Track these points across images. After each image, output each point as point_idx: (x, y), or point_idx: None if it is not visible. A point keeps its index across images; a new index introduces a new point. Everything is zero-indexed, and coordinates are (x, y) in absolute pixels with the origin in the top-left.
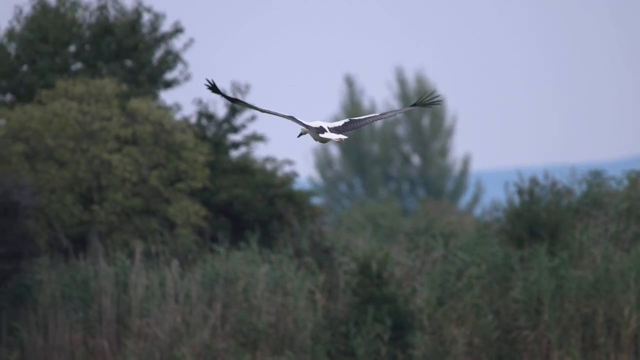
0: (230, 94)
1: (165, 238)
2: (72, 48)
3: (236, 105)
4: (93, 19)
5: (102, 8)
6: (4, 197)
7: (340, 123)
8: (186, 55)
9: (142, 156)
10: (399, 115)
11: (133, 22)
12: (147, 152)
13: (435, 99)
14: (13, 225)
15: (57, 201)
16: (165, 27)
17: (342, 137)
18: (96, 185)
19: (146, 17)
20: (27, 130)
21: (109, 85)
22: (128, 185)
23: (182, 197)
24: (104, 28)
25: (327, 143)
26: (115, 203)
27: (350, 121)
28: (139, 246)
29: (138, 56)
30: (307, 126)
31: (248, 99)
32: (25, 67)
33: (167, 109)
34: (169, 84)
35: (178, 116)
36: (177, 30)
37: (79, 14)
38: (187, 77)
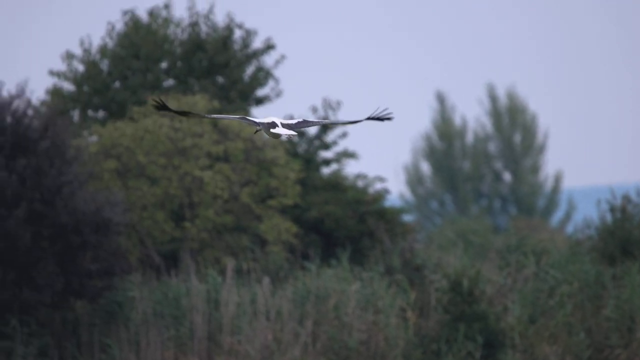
0: (321, 111)
1: (257, 255)
2: (164, 64)
3: (191, 117)
4: (185, 36)
5: (194, 24)
6: (96, 214)
7: (294, 121)
8: (277, 72)
9: (234, 173)
10: (490, 132)
11: (225, 39)
12: (239, 168)
13: (387, 115)
14: (105, 242)
15: (149, 218)
16: (257, 43)
17: (292, 133)
18: (188, 202)
19: (238, 34)
20: (119, 147)
21: (200, 101)
22: (219, 202)
23: (273, 214)
24: (195, 44)
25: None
26: (207, 220)
27: (304, 121)
28: (230, 263)
29: (229, 73)
30: (258, 123)
31: (339, 115)
32: (117, 84)
33: None
34: (260, 101)
35: None
36: (269, 47)
37: (171, 30)
38: (279, 94)
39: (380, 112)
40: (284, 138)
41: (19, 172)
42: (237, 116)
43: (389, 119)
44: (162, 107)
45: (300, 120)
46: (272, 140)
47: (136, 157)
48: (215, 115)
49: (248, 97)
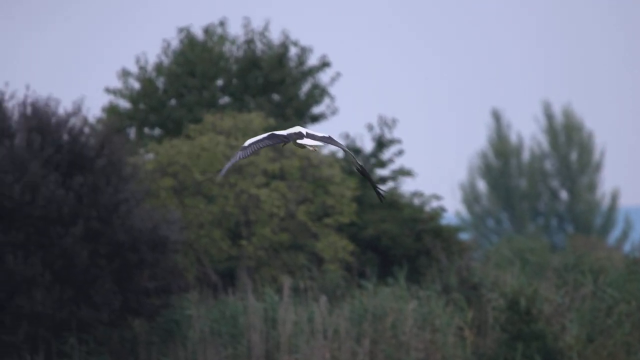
0: (377, 128)
1: (313, 273)
2: (220, 82)
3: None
4: (240, 53)
5: (250, 42)
6: (153, 231)
7: (320, 134)
8: (333, 89)
9: (290, 191)
10: (546, 149)
11: (280, 56)
12: (295, 186)
13: (381, 194)
14: (162, 260)
15: (206, 236)
16: (312, 60)
17: (317, 144)
18: (244, 220)
19: (293, 51)
20: (176, 164)
21: (256, 119)
22: (276, 220)
23: (329, 232)
24: (251, 62)
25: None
26: (264, 238)
27: (329, 138)
28: (287, 281)
29: (285, 90)
30: (286, 136)
31: (395, 133)
32: (173, 101)
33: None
34: (315, 118)
35: (325, 151)
36: (324, 64)
37: (227, 47)
38: (334, 111)
39: (379, 189)
40: (309, 148)
41: (75, 189)
42: (265, 135)
43: (380, 197)
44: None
45: (326, 136)
46: (327, 158)
47: (193, 175)
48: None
49: (304, 114)
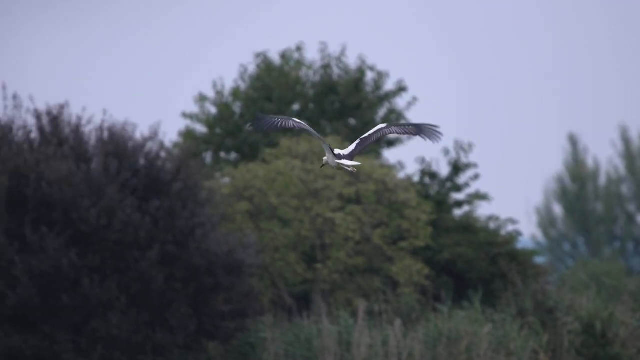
0: (453, 152)
1: (388, 297)
2: (296, 106)
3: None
4: (317, 78)
5: (326, 67)
6: (228, 255)
7: (352, 146)
8: (409, 114)
9: (365, 214)
10: (622, 174)
11: (357, 81)
12: (370, 210)
13: (437, 136)
14: (237, 284)
15: (281, 260)
16: (389, 85)
17: (355, 164)
18: (319, 244)
19: (369, 76)
20: (251, 188)
21: (332, 143)
22: (351, 243)
23: (404, 256)
24: (327, 87)
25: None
26: (339, 261)
27: (360, 140)
28: (362, 305)
29: (361, 114)
30: (331, 150)
31: (471, 157)
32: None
33: (390, 168)
34: (391, 143)
35: (401, 175)
36: (401, 89)
37: (303, 72)
38: (410, 136)
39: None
40: (348, 169)
41: (152, 214)
42: (319, 135)
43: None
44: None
45: (357, 141)
46: (403, 182)
47: (268, 199)
48: (305, 126)
49: (380, 139)
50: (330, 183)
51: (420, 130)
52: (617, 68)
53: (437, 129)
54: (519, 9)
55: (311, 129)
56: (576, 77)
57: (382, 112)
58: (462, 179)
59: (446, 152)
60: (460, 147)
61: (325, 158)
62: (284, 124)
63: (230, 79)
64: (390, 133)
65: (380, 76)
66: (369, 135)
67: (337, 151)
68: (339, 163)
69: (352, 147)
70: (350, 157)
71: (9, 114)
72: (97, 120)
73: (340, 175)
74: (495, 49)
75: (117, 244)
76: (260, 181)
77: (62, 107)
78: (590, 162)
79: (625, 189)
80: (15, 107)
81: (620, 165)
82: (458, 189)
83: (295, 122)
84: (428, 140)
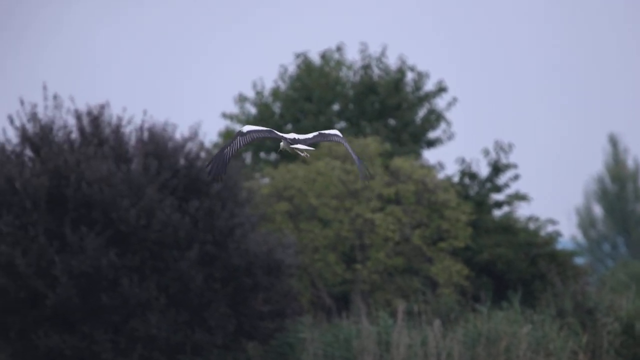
0: (493, 153)
1: (428, 297)
2: (336, 107)
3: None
4: (357, 78)
5: (366, 67)
6: (268, 255)
7: (310, 135)
8: (449, 114)
9: (405, 215)
10: None
11: (397, 81)
12: (410, 211)
13: (365, 172)
14: (277, 284)
15: (320, 260)
16: (429, 86)
17: (309, 149)
18: (359, 244)
19: (410, 76)
20: (291, 189)
21: (372, 143)
22: (390, 244)
23: (444, 257)
24: (367, 87)
25: None
26: (378, 262)
27: (319, 134)
28: (401, 305)
29: (401, 115)
30: (284, 137)
31: (511, 158)
32: (289, 126)
33: (430, 168)
34: (432, 143)
35: (441, 175)
36: (441, 89)
37: (343, 72)
38: (450, 136)
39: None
40: (301, 154)
41: (191, 214)
42: (265, 128)
43: (365, 174)
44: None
45: (316, 134)
46: (443, 182)
47: (308, 200)
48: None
49: (420, 139)
50: (370, 183)
51: (358, 163)
52: None
53: (368, 172)
54: (558, 9)
55: (263, 130)
56: (617, 77)
57: (421, 112)
58: (502, 179)
59: (486, 152)
60: (500, 147)
61: (281, 143)
62: (236, 148)
63: (270, 79)
64: (339, 144)
65: (420, 76)
66: (327, 134)
67: (292, 135)
68: (293, 147)
69: (310, 136)
70: (305, 143)
71: (49, 114)
72: (137, 120)
73: (379, 175)
74: (536, 48)
75: (156, 244)
76: (300, 181)
77: (102, 107)
78: (630, 163)
79: None
80: (55, 107)
81: None
82: (498, 189)
83: (245, 138)
84: (360, 175)
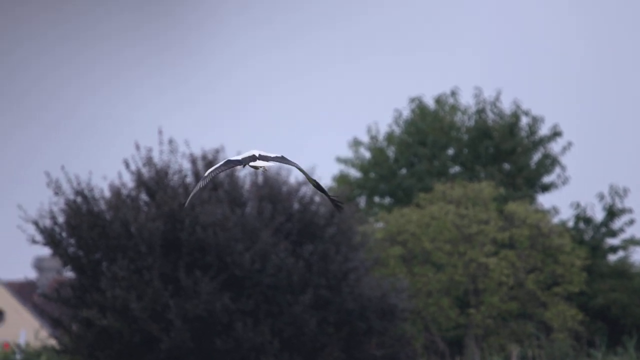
0: (608, 198)
1: (542, 342)
2: (450, 151)
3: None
4: (471, 122)
5: (481, 111)
6: (382, 299)
7: (273, 155)
8: (564, 158)
9: (519, 259)
10: None
11: (511, 126)
12: (524, 255)
13: (338, 204)
14: (390, 329)
15: (434, 304)
16: (544, 130)
17: (269, 164)
18: (472, 289)
19: (524, 120)
20: (405, 233)
21: (486, 188)
22: (505, 288)
23: (558, 301)
24: (482, 131)
25: None
26: (492, 306)
27: (282, 157)
28: (515, 350)
29: (516, 159)
30: (240, 161)
31: (626, 203)
32: (403, 170)
33: (544, 213)
34: (546, 188)
35: (555, 219)
36: (555, 134)
37: (458, 117)
38: (565, 181)
39: (336, 199)
40: (260, 170)
41: (305, 258)
42: (222, 162)
43: (338, 207)
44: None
45: (279, 156)
46: (557, 227)
47: (422, 244)
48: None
49: (534, 184)
50: (484, 228)
51: (322, 191)
52: None
53: (338, 203)
54: None
55: (219, 166)
56: None
57: (536, 156)
58: (617, 224)
59: (601, 197)
60: (615, 192)
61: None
62: (200, 186)
63: (384, 124)
64: (301, 174)
65: (535, 121)
66: (288, 160)
67: (255, 152)
68: (251, 165)
69: (273, 155)
70: (266, 160)
71: (164, 159)
72: None
73: (494, 220)
74: None
75: (270, 288)
76: (413, 226)
77: (217, 151)
78: None
79: None
80: (171, 151)
81: None
82: (613, 234)
83: (204, 181)
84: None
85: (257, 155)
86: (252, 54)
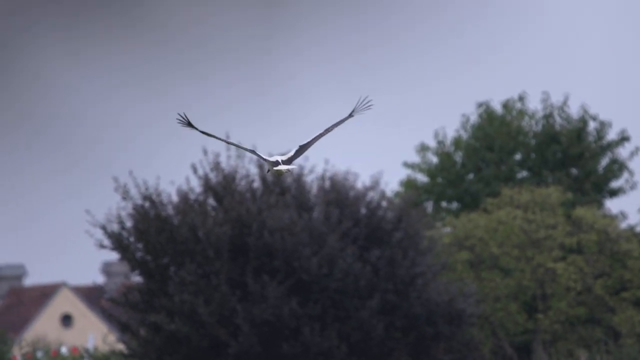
0: None
1: (610, 347)
2: (518, 156)
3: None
4: (539, 127)
5: (548, 116)
6: (449, 305)
7: (292, 152)
8: (632, 163)
9: (587, 265)
10: None
11: (579, 131)
12: (592, 260)
13: (367, 105)
14: (458, 334)
15: (502, 309)
16: (611, 135)
17: (291, 167)
18: (540, 294)
19: (592, 125)
20: (472, 238)
21: (554, 193)
22: (572, 293)
23: (627, 307)
24: (549, 136)
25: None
26: (560, 312)
27: (300, 147)
28: (583, 355)
29: (583, 164)
30: (265, 160)
31: None
32: (470, 175)
33: (612, 218)
34: (614, 193)
35: (623, 225)
36: (623, 139)
37: (525, 122)
38: (633, 186)
39: (361, 104)
40: (285, 172)
41: (372, 263)
42: (248, 148)
43: (369, 107)
44: (187, 124)
45: (297, 147)
46: (625, 232)
47: (489, 249)
48: (228, 142)
49: (602, 189)
50: (552, 233)
51: (353, 111)
52: None
53: (368, 101)
54: None
55: (246, 149)
56: None
57: (604, 161)
58: None
59: None
60: None
61: (266, 167)
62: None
63: (452, 129)
64: (328, 132)
65: (603, 126)
66: (308, 142)
67: (275, 158)
68: (276, 169)
69: (292, 153)
70: (289, 162)
71: (232, 164)
72: (319, 169)
73: (561, 225)
74: None
75: (337, 292)
76: (481, 231)
77: (283, 155)
78: None
79: None
80: (238, 156)
81: None
82: None
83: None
84: (361, 113)
85: (279, 160)
86: (316, 62)
